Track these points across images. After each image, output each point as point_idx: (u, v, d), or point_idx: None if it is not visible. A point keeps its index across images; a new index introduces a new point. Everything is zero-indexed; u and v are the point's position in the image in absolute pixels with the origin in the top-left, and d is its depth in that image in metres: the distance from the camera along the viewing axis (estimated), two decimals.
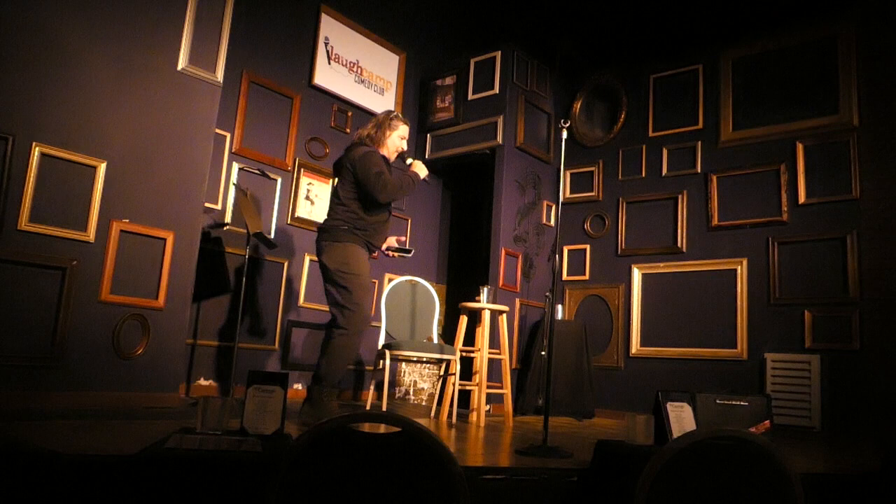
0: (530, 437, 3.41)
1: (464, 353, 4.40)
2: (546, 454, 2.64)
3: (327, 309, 5.16)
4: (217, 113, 4.19)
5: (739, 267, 5.28)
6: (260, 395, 2.00)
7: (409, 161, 3.71)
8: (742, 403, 2.43)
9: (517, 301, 5.84)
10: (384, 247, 3.79)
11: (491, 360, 4.44)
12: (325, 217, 3.60)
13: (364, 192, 3.44)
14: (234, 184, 4.81)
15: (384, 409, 4.00)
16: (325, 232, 3.49)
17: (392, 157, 3.68)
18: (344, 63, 5.77)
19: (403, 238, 3.85)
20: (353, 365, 5.61)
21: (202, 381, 4.64)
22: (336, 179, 3.61)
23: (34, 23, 3.39)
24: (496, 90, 5.92)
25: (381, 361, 4.14)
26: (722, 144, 5.55)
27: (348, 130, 5.74)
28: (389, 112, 3.75)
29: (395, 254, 3.87)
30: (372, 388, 4.32)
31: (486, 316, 4.37)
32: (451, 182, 6.73)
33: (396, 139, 3.66)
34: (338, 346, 3.34)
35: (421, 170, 3.65)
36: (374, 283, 3.49)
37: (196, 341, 4.57)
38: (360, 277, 3.39)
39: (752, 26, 5.52)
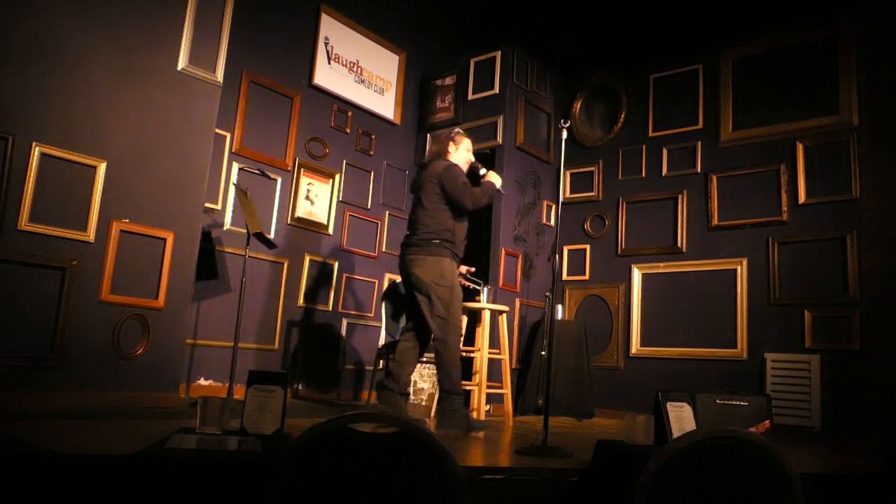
0: (530, 437, 3.41)
1: (464, 353, 4.40)
2: (546, 454, 2.63)
3: (326, 309, 5.15)
4: (217, 113, 4.19)
5: (739, 267, 5.28)
6: (260, 395, 2.00)
7: (482, 171, 3.79)
8: (742, 403, 2.43)
9: (517, 301, 5.84)
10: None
11: (491, 360, 4.44)
12: (410, 233, 3.66)
13: (452, 203, 3.56)
14: (234, 184, 4.81)
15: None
16: (414, 246, 3.57)
17: (465, 168, 3.77)
18: (344, 63, 5.77)
19: (472, 269, 3.95)
20: (353, 365, 5.62)
21: (202, 381, 4.64)
22: (416, 197, 3.70)
23: (34, 23, 3.39)
24: (496, 90, 5.92)
25: (381, 361, 4.13)
26: (722, 144, 5.55)
27: (348, 130, 5.74)
28: (451, 129, 3.90)
29: (466, 282, 4.00)
30: (372, 388, 4.32)
31: (486, 316, 4.37)
32: None
33: (464, 152, 3.77)
34: (447, 358, 3.48)
35: (496, 179, 3.73)
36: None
37: (196, 341, 4.57)
38: (454, 289, 3.52)
39: (752, 26, 5.52)
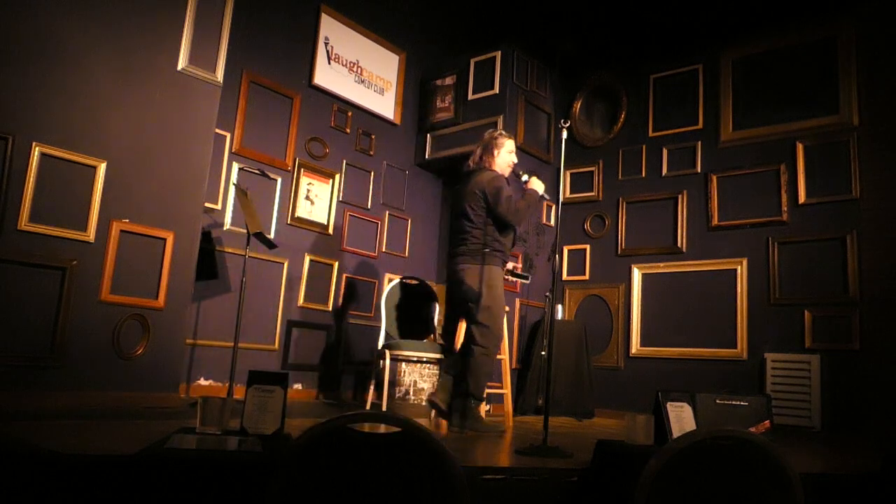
0: (530, 437, 3.41)
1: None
2: (546, 454, 2.63)
3: (326, 309, 5.15)
4: (217, 113, 4.19)
5: (739, 267, 5.28)
6: (260, 395, 2.00)
7: (524, 178, 3.75)
8: (742, 403, 2.43)
9: (517, 301, 5.84)
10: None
11: None
12: (458, 242, 3.65)
13: (496, 219, 3.57)
14: (234, 184, 4.81)
15: (384, 409, 4.00)
16: (462, 255, 3.59)
17: (506, 172, 3.75)
18: (344, 63, 5.77)
19: (518, 264, 3.96)
20: (353, 365, 5.62)
21: (202, 381, 4.64)
22: (460, 206, 3.68)
23: (34, 23, 3.39)
24: (496, 90, 5.92)
25: (381, 361, 4.14)
26: (722, 144, 5.55)
27: (348, 130, 5.74)
28: (492, 131, 3.85)
29: (513, 278, 4.00)
30: (372, 388, 4.32)
31: None
32: (451, 182, 6.72)
33: (506, 155, 3.75)
34: (480, 364, 3.49)
35: (538, 186, 3.69)
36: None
37: (196, 341, 4.57)
38: (500, 298, 3.56)
39: (752, 26, 5.52)
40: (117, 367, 3.58)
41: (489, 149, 3.73)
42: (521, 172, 3.78)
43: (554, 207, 6.24)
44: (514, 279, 3.99)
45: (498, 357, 4.54)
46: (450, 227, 3.82)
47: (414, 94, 6.41)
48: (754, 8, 5.46)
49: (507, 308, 3.72)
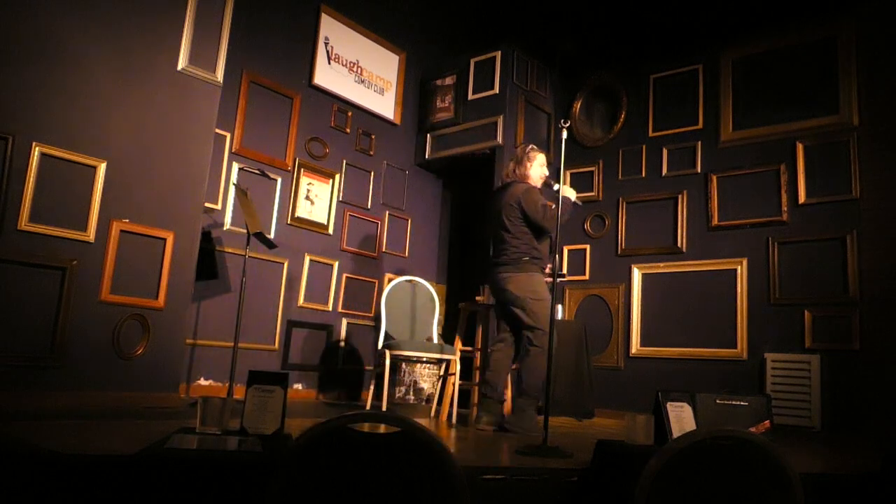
0: (530, 437, 3.41)
1: (464, 353, 4.40)
2: (546, 454, 2.63)
3: (326, 309, 5.16)
4: (217, 113, 4.19)
5: (739, 267, 5.28)
6: (260, 395, 2.00)
7: (556, 187, 3.83)
8: (742, 403, 2.43)
9: None
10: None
11: None
12: (499, 252, 3.83)
13: (532, 226, 3.76)
14: (234, 184, 4.81)
15: (384, 409, 4.00)
16: (505, 265, 3.77)
17: (538, 184, 3.94)
18: (344, 63, 5.77)
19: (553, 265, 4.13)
20: (353, 365, 5.62)
21: (202, 381, 4.64)
22: (497, 218, 3.86)
23: (34, 23, 3.39)
24: (496, 90, 5.92)
25: (381, 361, 4.14)
26: (722, 144, 5.55)
27: (348, 130, 5.74)
28: (525, 146, 4.04)
29: (550, 278, 4.13)
30: (372, 388, 4.32)
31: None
32: (451, 182, 6.73)
33: (538, 168, 3.93)
34: (535, 363, 3.64)
35: (570, 193, 3.82)
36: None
37: (196, 341, 4.57)
38: (545, 302, 3.69)
39: (752, 26, 5.52)
40: (117, 367, 3.58)
41: (522, 162, 3.92)
42: (552, 183, 3.94)
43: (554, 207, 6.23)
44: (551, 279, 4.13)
45: None
46: (490, 238, 3.99)
47: (414, 94, 6.41)
48: (754, 8, 5.46)
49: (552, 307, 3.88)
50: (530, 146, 4.02)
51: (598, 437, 2.48)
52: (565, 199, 3.76)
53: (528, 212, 3.73)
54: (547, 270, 3.98)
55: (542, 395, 3.67)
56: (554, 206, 3.69)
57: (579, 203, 3.93)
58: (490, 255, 3.94)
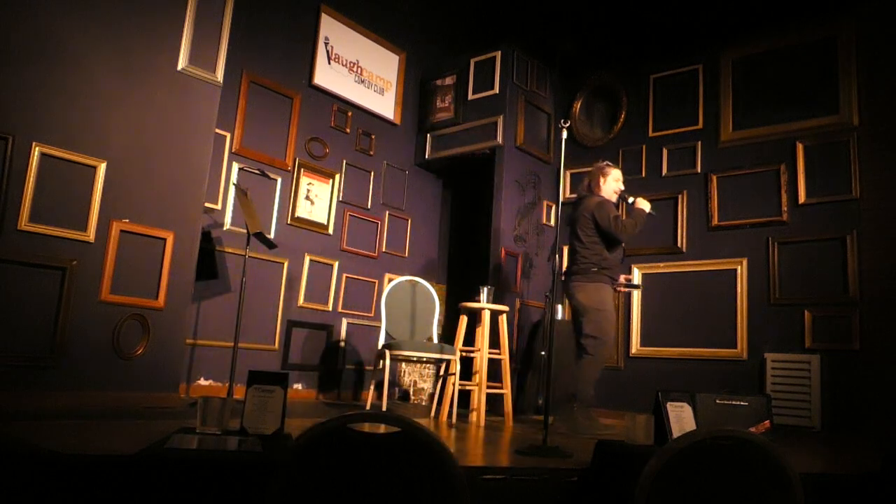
0: (530, 437, 3.41)
1: (464, 353, 4.40)
2: (546, 454, 2.63)
3: (326, 309, 5.18)
4: (217, 113, 4.19)
5: (739, 267, 5.28)
6: (260, 395, 2.01)
7: (630, 200, 4.12)
8: (742, 403, 2.43)
9: (517, 301, 5.84)
10: (616, 284, 4.17)
11: (491, 360, 4.44)
12: (571, 262, 4.11)
13: (605, 235, 3.95)
14: (234, 184, 4.81)
15: (384, 409, 4.00)
16: (576, 274, 4.00)
17: (613, 198, 4.12)
18: (344, 63, 5.77)
19: (630, 276, 4.33)
20: (353, 365, 5.62)
21: (202, 381, 4.64)
22: (572, 229, 4.10)
23: (34, 23, 3.39)
24: (496, 90, 5.92)
25: (381, 361, 4.14)
26: (722, 144, 5.55)
27: (348, 130, 5.74)
28: (598, 163, 4.26)
29: (624, 288, 4.45)
30: (372, 388, 4.32)
31: (486, 316, 4.37)
32: (451, 182, 6.73)
33: (612, 183, 4.12)
34: (590, 370, 3.86)
35: (644, 205, 4.03)
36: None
37: (196, 341, 4.57)
38: (608, 313, 3.92)
39: (752, 26, 5.51)
40: (117, 367, 3.58)
41: (596, 177, 4.13)
42: (627, 196, 4.15)
43: (554, 207, 6.24)
44: (627, 289, 4.42)
45: (498, 357, 4.57)
46: (568, 248, 4.26)
47: (414, 94, 6.41)
48: (754, 8, 5.46)
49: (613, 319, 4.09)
50: (605, 162, 4.21)
51: (597, 437, 2.48)
52: (640, 210, 4.00)
53: (600, 223, 3.93)
54: (621, 280, 4.21)
55: (587, 399, 3.89)
56: (626, 218, 3.98)
57: (654, 212, 4.09)
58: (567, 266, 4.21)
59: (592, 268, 3.95)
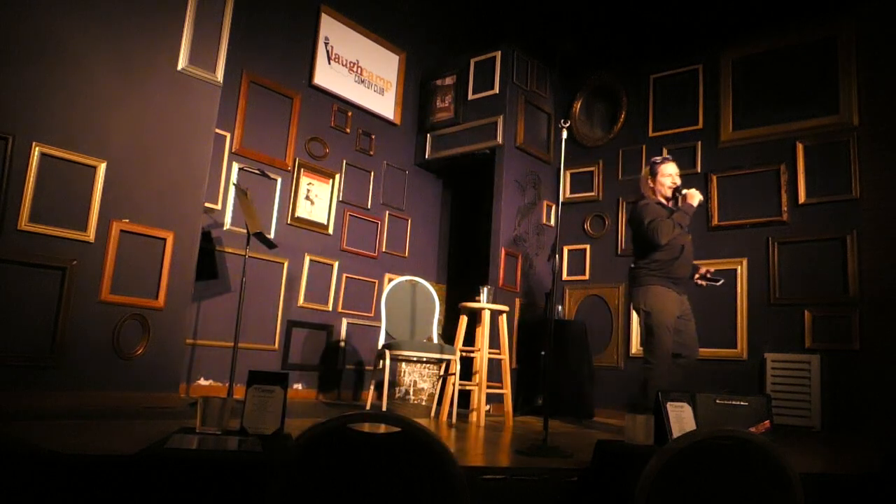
0: (530, 437, 3.41)
1: (464, 353, 4.40)
2: (546, 454, 2.63)
3: (326, 309, 5.17)
4: (217, 113, 4.19)
5: (739, 267, 5.28)
6: (260, 395, 2.00)
7: (683, 192, 3.98)
8: (742, 403, 2.43)
9: (517, 301, 5.84)
10: (695, 277, 4.07)
11: (491, 360, 4.44)
12: (632, 265, 4.01)
13: (640, 238, 3.90)
14: (234, 184, 4.81)
15: (384, 409, 4.00)
16: (631, 278, 3.96)
17: (668, 193, 3.97)
18: (344, 63, 5.77)
19: (712, 269, 4.10)
20: (353, 365, 5.62)
21: (202, 381, 4.64)
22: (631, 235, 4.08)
23: (34, 23, 3.39)
24: (496, 90, 5.92)
25: (381, 361, 4.14)
26: (722, 144, 5.55)
27: (348, 130, 5.74)
28: (650, 161, 4.18)
29: (704, 283, 4.12)
30: (372, 388, 4.32)
31: (486, 316, 4.37)
32: (451, 182, 6.73)
33: (665, 178, 3.97)
34: (649, 378, 3.71)
35: (694, 198, 3.91)
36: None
37: (196, 341, 4.57)
38: (661, 315, 3.76)
39: (752, 26, 5.51)
40: (117, 367, 3.57)
41: (644, 181, 4.07)
42: (681, 189, 3.98)
43: (554, 207, 6.24)
44: (706, 283, 4.10)
45: (498, 357, 4.57)
46: None
47: (414, 94, 6.41)
48: (754, 8, 5.46)
49: (669, 321, 3.80)
50: (653, 159, 4.09)
51: (598, 437, 2.48)
52: (687, 205, 3.90)
53: (636, 230, 3.90)
54: (701, 272, 4.03)
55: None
56: (661, 219, 3.77)
57: (702, 198, 3.97)
58: None
59: (641, 270, 3.89)
